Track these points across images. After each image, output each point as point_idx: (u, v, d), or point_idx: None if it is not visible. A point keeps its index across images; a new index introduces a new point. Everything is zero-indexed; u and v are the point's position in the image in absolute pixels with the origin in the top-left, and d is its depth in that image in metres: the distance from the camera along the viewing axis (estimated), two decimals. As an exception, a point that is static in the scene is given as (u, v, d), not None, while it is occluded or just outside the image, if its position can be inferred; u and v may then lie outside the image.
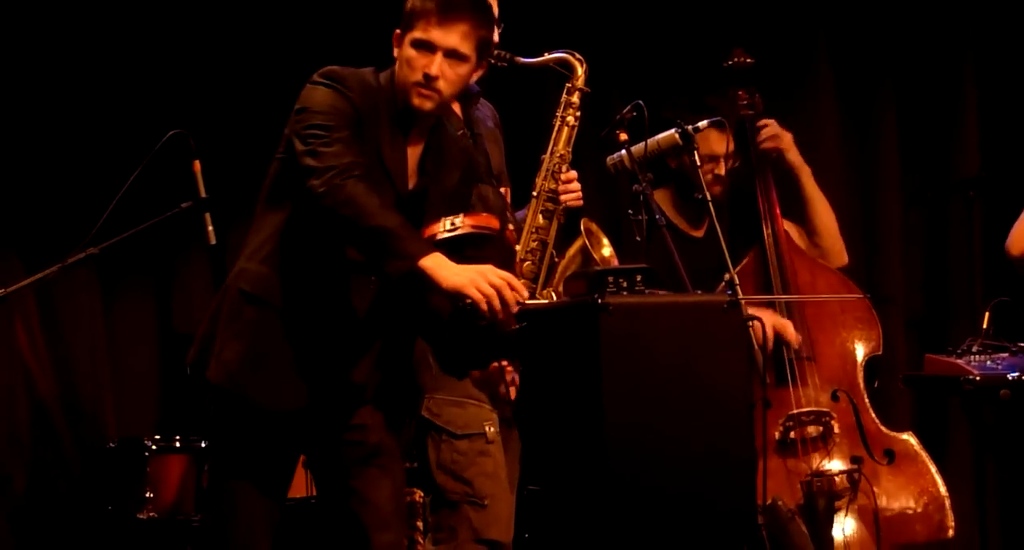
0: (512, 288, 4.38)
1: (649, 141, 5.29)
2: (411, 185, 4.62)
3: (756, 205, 6.17)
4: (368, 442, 4.67)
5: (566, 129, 5.19)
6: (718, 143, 6.05)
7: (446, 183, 4.69)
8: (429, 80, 4.49)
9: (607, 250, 5.16)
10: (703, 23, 7.02)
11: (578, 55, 5.20)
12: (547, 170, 5.19)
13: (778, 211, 6.17)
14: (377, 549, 4.67)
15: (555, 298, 5.07)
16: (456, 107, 5.15)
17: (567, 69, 5.20)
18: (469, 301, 4.34)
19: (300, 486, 5.49)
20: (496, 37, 4.66)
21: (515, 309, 4.48)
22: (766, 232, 6.13)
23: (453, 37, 4.47)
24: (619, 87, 6.07)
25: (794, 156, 6.17)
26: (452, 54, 4.49)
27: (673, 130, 5.43)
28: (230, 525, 4.61)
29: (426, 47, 4.48)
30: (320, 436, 4.66)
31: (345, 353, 4.58)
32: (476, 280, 4.34)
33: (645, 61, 6.87)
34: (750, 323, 4.95)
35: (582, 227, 5.20)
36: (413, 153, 4.64)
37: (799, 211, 6.22)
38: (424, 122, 4.61)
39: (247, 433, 4.57)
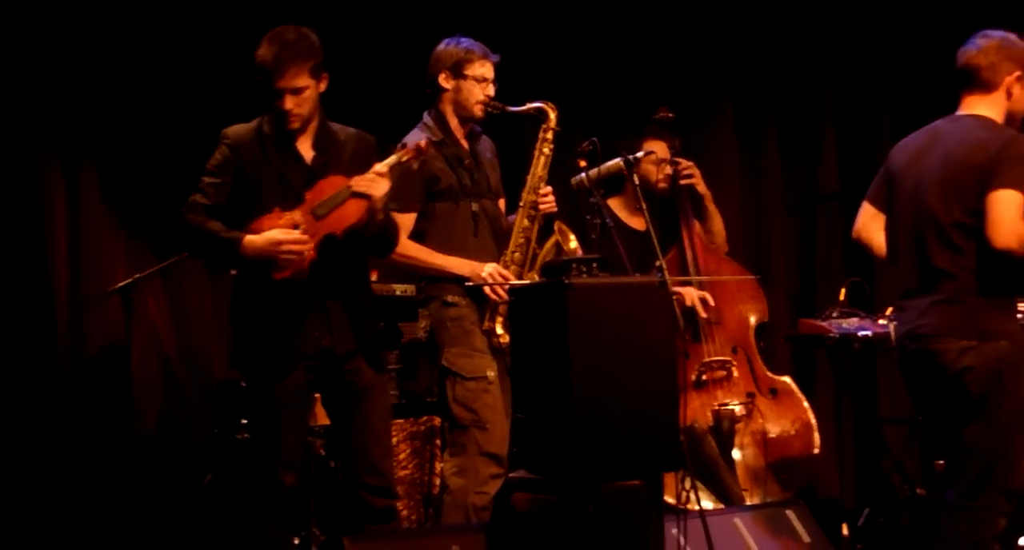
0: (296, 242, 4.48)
1: (601, 167, 5.34)
2: (311, 163, 4.67)
3: (678, 216, 6.12)
4: (360, 382, 4.70)
5: (543, 158, 5.23)
6: (665, 151, 6.03)
7: (340, 160, 4.70)
8: (289, 112, 4.59)
9: (573, 244, 5.13)
10: (639, 82, 6.91)
11: (551, 104, 5.22)
12: (529, 187, 5.23)
13: (692, 220, 6.12)
14: (374, 460, 4.69)
15: (536, 279, 5.05)
16: (464, 144, 5.22)
17: (543, 114, 5.22)
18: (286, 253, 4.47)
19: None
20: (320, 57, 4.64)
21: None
22: (684, 234, 6.09)
23: (289, 81, 4.55)
24: (581, 128, 6.05)
25: (702, 187, 6.06)
26: (296, 91, 4.57)
27: (619, 159, 5.44)
28: (275, 441, 4.64)
29: (280, 94, 4.57)
30: (328, 380, 4.70)
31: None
32: (277, 242, 4.47)
33: (599, 109, 6.79)
34: (674, 297, 4.97)
35: (555, 227, 5.20)
36: (307, 149, 4.69)
37: (702, 221, 6.17)
38: (304, 131, 4.67)
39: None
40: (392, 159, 4.63)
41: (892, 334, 4.67)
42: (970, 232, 4.30)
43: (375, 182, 4.56)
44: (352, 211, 4.57)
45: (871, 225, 4.63)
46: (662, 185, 6.03)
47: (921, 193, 4.42)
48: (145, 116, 6.31)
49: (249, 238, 4.51)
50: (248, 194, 4.60)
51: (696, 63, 7.10)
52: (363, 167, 4.65)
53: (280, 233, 4.50)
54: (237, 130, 4.69)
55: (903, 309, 4.50)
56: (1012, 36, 4.50)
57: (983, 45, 4.44)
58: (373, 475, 4.69)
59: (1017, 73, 4.44)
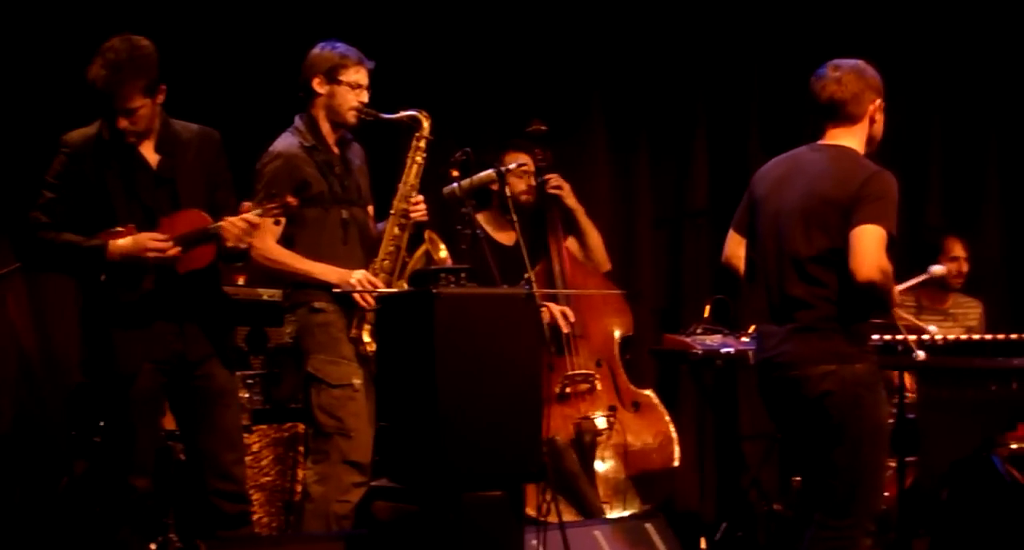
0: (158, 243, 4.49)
1: (473, 177, 5.35)
2: (156, 168, 4.66)
3: (546, 228, 6.12)
4: (212, 387, 4.70)
5: (415, 166, 5.20)
6: (532, 163, 6.03)
7: (186, 160, 4.71)
8: (125, 131, 4.58)
9: (444, 253, 5.13)
10: (514, 93, 6.89)
11: (425, 113, 5.20)
12: (401, 195, 5.20)
13: (561, 234, 6.09)
14: (225, 465, 4.69)
15: (404, 288, 5.03)
16: (335, 150, 5.19)
17: (417, 122, 5.19)
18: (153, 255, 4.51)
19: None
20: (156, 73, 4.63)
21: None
22: (552, 247, 6.08)
23: (122, 103, 4.54)
24: (455, 138, 6.00)
25: (572, 201, 6.07)
26: (129, 112, 4.55)
27: (491, 170, 5.44)
28: (127, 446, 4.62)
29: (114, 115, 4.57)
30: (180, 384, 4.68)
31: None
32: (142, 244, 4.51)
33: (473, 120, 6.75)
34: (541, 309, 4.98)
35: (426, 236, 5.18)
36: (151, 153, 4.67)
37: (576, 233, 6.19)
38: (142, 143, 4.65)
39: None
40: (258, 211, 4.64)
41: (750, 357, 4.71)
42: (831, 264, 4.35)
43: (243, 238, 4.60)
44: (207, 253, 4.63)
45: (738, 251, 4.66)
46: (526, 197, 6.02)
47: (782, 224, 4.46)
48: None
49: (114, 242, 4.51)
50: (94, 204, 4.59)
51: (570, 76, 7.10)
52: (210, 164, 4.71)
53: (144, 236, 4.53)
54: (76, 137, 4.66)
55: (762, 336, 4.55)
56: (862, 63, 4.52)
57: (842, 77, 4.44)
58: (225, 480, 4.68)
59: (878, 101, 4.50)
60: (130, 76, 4.51)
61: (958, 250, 6.73)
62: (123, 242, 4.52)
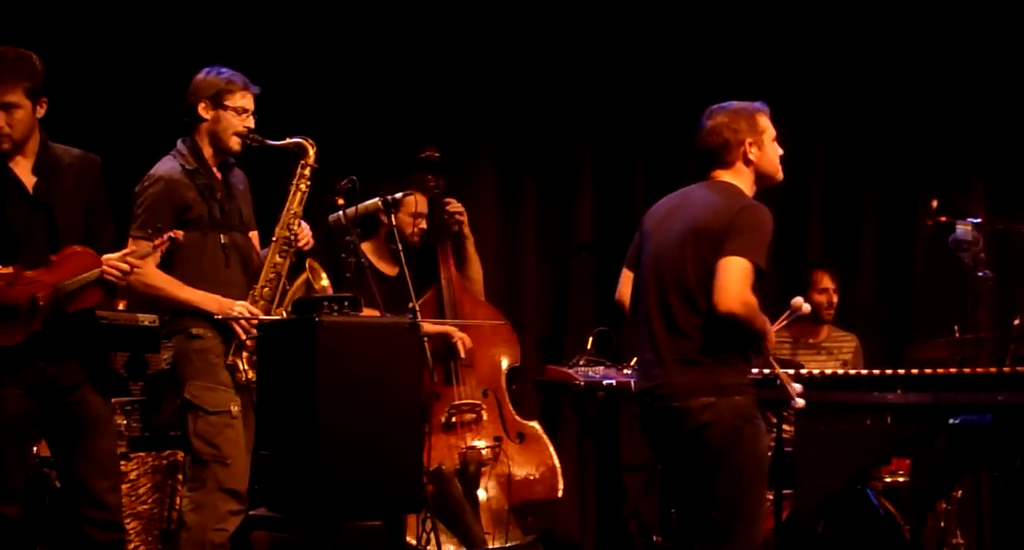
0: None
1: (359, 206, 5.36)
2: (32, 191, 4.54)
3: (436, 257, 6.15)
4: (86, 413, 4.62)
5: (299, 193, 5.16)
6: (423, 206, 6.04)
7: (65, 184, 4.60)
8: None
9: (325, 282, 5.09)
10: (402, 121, 6.89)
11: (311, 140, 5.17)
12: (284, 222, 5.15)
13: (452, 262, 6.15)
14: (97, 492, 4.61)
15: (285, 316, 4.99)
16: (218, 175, 5.15)
17: (302, 150, 5.16)
18: None
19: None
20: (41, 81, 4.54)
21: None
22: (443, 276, 6.10)
23: (2, 94, 4.44)
24: (340, 165, 6.00)
25: (467, 230, 6.16)
26: (6, 107, 4.46)
27: (377, 198, 5.46)
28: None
29: None
30: (52, 410, 4.58)
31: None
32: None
33: (360, 148, 6.72)
34: (424, 339, 5.02)
35: (307, 264, 5.15)
36: (27, 174, 4.56)
37: (460, 264, 6.25)
38: (21, 154, 4.54)
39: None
40: (148, 247, 4.59)
41: (632, 387, 4.74)
42: (704, 296, 4.38)
43: (126, 278, 4.53)
44: (95, 294, 4.54)
45: (629, 289, 4.69)
46: (414, 238, 6.01)
47: (663, 255, 4.51)
48: None
49: None
50: None
51: (458, 105, 7.12)
52: (89, 191, 4.61)
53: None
54: None
55: (643, 366, 4.57)
56: (735, 103, 4.60)
57: (712, 126, 4.54)
58: (97, 508, 4.60)
59: (748, 140, 4.56)
60: (13, 73, 4.44)
61: (826, 282, 6.82)
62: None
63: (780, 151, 4.62)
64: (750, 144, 4.54)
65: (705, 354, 4.40)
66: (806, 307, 4.65)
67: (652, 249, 4.56)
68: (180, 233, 4.69)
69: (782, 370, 4.58)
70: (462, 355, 5.96)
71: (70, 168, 4.65)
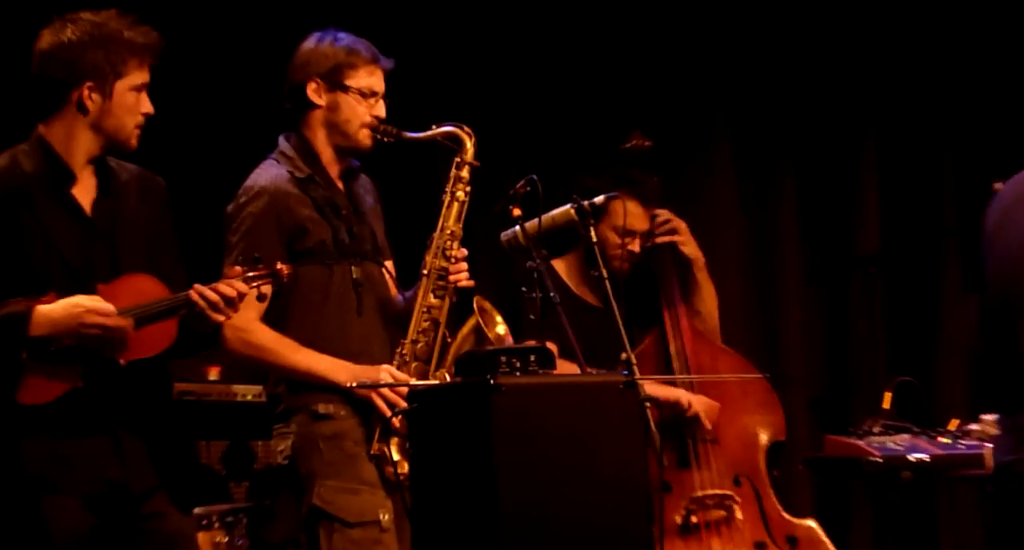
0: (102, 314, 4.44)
1: (544, 217, 5.31)
2: (91, 213, 4.66)
3: (656, 287, 6.16)
4: (165, 530, 4.66)
5: (456, 205, 5.21)
6: (637, 220, 6.02)
7: (128, 207, 4.71)
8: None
9: (501, 328, 5.13)
10: (600, 98, 7.04)
11: (467, 128, 5.23)
12: (437, 247, 5.20)
13: (678, 295, 6.15)
14: None
15: (447, 379, 5.05)
16: (340, 184, 5.23)
17: (456, 143, 5.22)
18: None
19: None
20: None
21: None
22: (668, 314, 6.11)
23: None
24: (513, 161, 6.08)
25: (690, 249, 6.15)
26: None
27: (569, 206, 5.45)
28: None
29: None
30: (119, 528, 4.62)
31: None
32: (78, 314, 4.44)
33: (540, 135, 6.93)
34: (647, 404, 4.94)
35: (475, 305, 5.16)
36: (85, 192, 4.68)
37: (687, 295, 6.22)
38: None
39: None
40: (241, 282, 4.62)
41: (987, 459, 4.59)
42: None
43: (219, 315, 4.57)
44: (164, 335, 4.59)
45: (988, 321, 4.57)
46: (620, 263, 6.03)
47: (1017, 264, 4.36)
48: None
49: (43, 308, 4.45)
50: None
51: (683, 76, 7.31)
52: (154, 223, 4.76)
53: (85, 298, 4.46)
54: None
55: (1007, 427, 4.40)
56: None
57: None
58: None
59: None
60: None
61: None
62: (56, 308, 4.45)
63: None
64: None
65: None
66: None
67: (998, 259, 4.42)
68: (287, 267, 4.71)
69: None
70: (707, 427, 5.95)
71: (129, 187, 4.76)
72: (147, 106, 4.73)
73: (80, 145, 4.64)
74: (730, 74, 7.37)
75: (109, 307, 4.48)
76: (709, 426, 5.96)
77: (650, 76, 7.17)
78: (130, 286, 4.60)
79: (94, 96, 4.67)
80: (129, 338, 4.54)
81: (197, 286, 4.56)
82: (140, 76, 4.69)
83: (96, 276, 4.59)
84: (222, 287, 4.57)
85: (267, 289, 4.75)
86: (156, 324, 4.58)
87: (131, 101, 4.67)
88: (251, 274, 4.64)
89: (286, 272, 4.70)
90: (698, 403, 5.96)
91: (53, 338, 4.47)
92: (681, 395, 5.94)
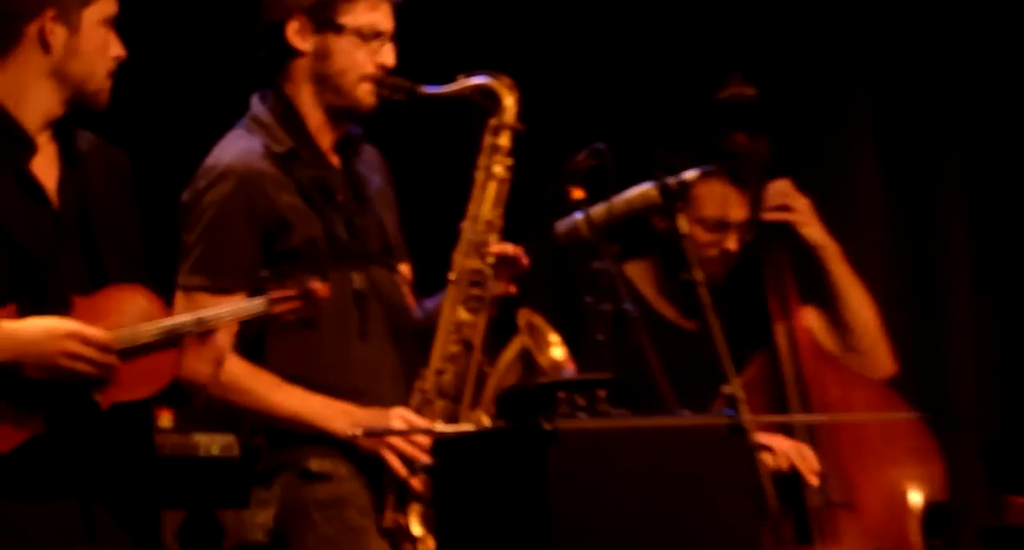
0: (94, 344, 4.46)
1: (615, 200, 5.31)
2: (58, 188, 4.72)
3: (764, 294, 6.11)
4: None
5: (493, 184, 5.24)
6: (734, 207, 6.01)
7: (96, 185, 4.78)
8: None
9: (558, 352, 5.15)
10: (688, 42, 7.14)
11: (506, 79, 5.27)
12: (469, 243, 5.23)
13: (794, 303, 6.11)
14: None
15: (486, 424, 5.11)
16: (335, 160, 5.31)
17: (492, 100, 5.26)
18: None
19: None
20: None
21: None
22: (779, 331, 6.08)
23: None
24: (569, 125, 6.00)
25: (813, 231, 6.06)
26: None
27: (650, 184, 5.33)
28: None
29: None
30: None
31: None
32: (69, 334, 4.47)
33: (607, 90, 6.93)
34: (760, 454, 5.01)
35: (521, 322, 5.21)
36: (46, 166, 4.73)
37: (825, 300, 6.15)
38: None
39: None
40: (260, 303, 4.66)
41: None
42: None
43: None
44: (161, 371, 4.60)
45: None
46: (713, 267, 5.97)
47: None
48: None
49: (7, 327, 4.48)
50: None
51: (810, 34, 7.50)
52: (126, 207, 4.82)
53: (73, 323, 4.49)
54: None
55: None
56: None
57: None
58: None
59: None
60: None
61: None
62: (20, 327, 4.48)
63: None
64: None
65: None
66: None
67: None
68: (323, 287, 4.71)
69: None
70: (813, 484, 5.92)
71: (92, 160, 4.81)
72: (118, 47, 4.77)
73: (38, 100, 4.67)
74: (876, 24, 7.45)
75: (103, 334, 4.50)
76: (815, 481, 5.88)
77: (758, 16, 7.20)
78: (116, 300, 4.63)
79: (57, 30, 4.71)
80: (116, 375, 4.56)
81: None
82: (109, 4, 4.74)
83: (67, 281, 4.64)
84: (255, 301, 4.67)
85: (292, 316, 4.72)
86: (150, 355, 4.58)
87: (101, 38, 4.71)
88: (276, 296, 4.62)
89: (323, 294, 4.69)
90: (787, 449, 5.89)
91: (12, 366, 4.47)
92: (772, 443, 5.89)
